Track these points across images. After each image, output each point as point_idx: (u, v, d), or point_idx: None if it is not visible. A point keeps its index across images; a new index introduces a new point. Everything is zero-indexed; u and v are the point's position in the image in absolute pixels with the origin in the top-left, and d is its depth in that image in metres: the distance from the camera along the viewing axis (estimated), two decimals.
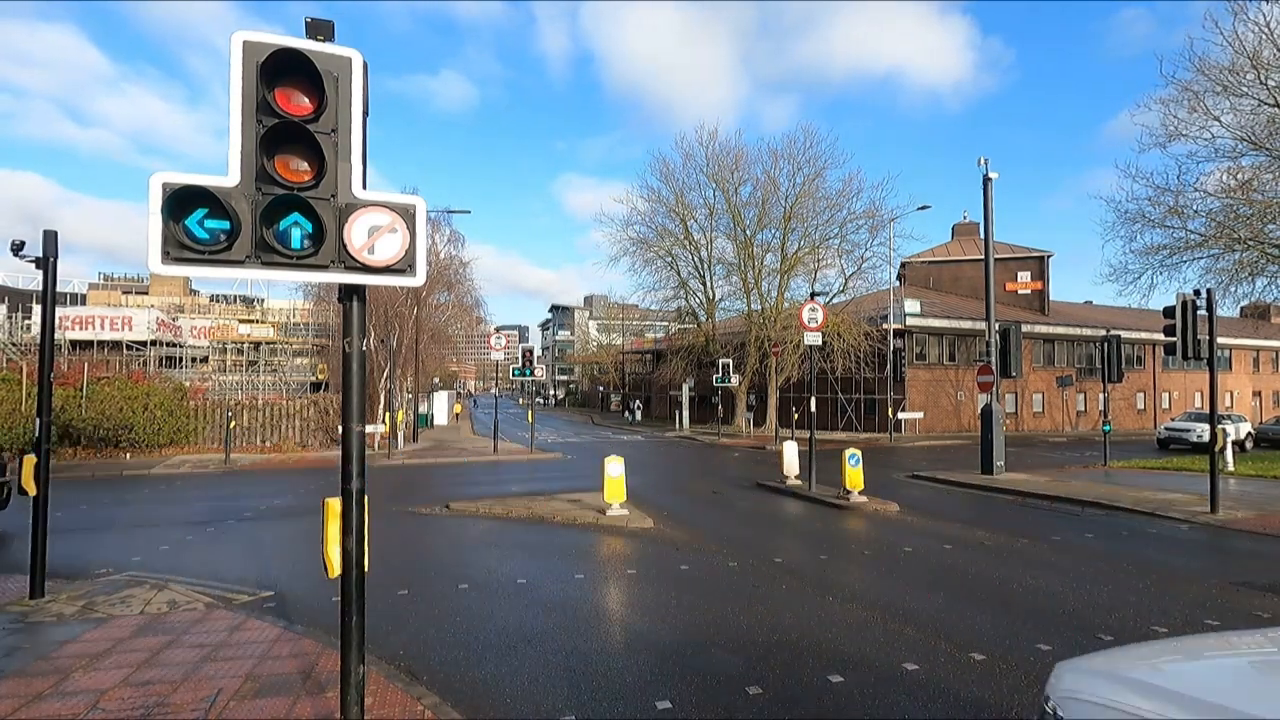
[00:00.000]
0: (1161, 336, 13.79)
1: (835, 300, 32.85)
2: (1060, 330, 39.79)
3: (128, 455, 21.35)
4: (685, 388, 39.49)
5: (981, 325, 23.40)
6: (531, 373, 25.85)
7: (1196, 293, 12.69)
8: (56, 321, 8.25)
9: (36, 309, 35.36)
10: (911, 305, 34.73)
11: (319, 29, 3.68)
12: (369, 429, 21.81)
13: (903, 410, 32.99)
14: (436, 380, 47.79)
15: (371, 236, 3.70)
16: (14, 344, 33.28)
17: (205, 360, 43.54)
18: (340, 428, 3.99)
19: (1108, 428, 21.06)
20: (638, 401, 54.35)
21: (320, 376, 41.42)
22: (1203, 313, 12.66)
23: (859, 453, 13.82)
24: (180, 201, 3.39)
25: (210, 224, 3.48)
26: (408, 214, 3.80)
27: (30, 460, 7.23)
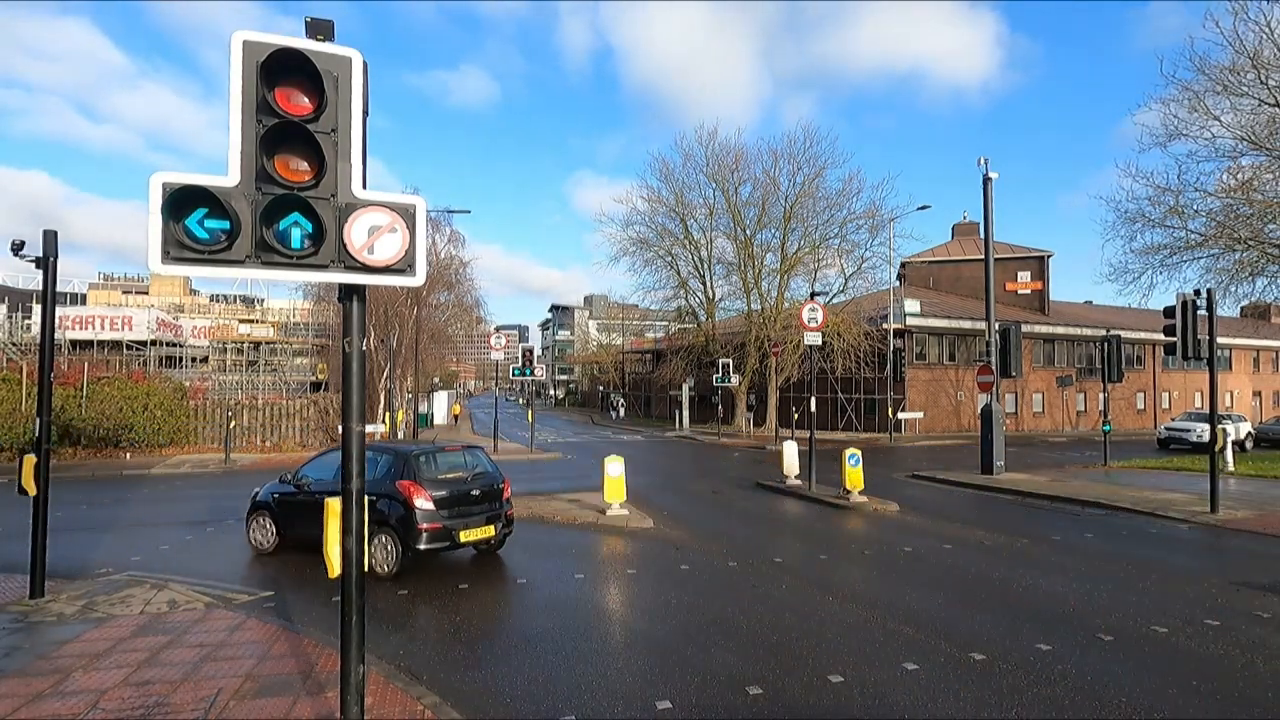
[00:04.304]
0: (1161, 336, 13.79)
1: (835, 300, 32.83)
2: (1060, 330, 39.78)
3: (128, 455, 21.34)
4: (685, 387, 39.47)
5: (981, 325, 23.40)
6: (531, 372, 25.85)
7: (1196, 293, 12.69)
8: (56, 321, 8.26)
9: (36, 309, 35.36)
10: (911, 305, 34.71)
11: (319, 29, 3.68)
12: (369, 429, 21.81)
13: (903, 410, 32.98)
14: (436, 380, 47.80)
15: (371, 236, 3.70)
16: (14, 344, 33.27)
17: (205, 360, 43.51)
18: (340, 428, 3.99)
19: (1108, 428, 21.05)
20: (620, 399, 54.33)
21: (320, 376, 41.40)
22: (1203, 313, 12.66)
23: (859, 452, 13.82)
24: (180, 201, 3.39)
25: (210, 224, 3.48)
26: (407, 214, 3.80)
27: (30, 460, 7.23)
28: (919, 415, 33.75)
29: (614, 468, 12.27)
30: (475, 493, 8.91)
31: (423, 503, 8.31)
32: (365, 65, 3.79)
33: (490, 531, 8.84)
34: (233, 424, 22.42)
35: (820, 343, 16.27)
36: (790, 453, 16.40)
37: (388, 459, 8.85)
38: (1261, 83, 18.59)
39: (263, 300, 49.51)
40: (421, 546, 8.22)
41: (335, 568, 3.87)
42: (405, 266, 3.81)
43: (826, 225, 34.39)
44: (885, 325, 31.85)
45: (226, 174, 3.50)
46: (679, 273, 38.13)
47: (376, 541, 8.31)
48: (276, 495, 9.51)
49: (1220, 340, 14.00)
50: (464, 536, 8.55)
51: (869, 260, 34.21)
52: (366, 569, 8.37)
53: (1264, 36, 18.21)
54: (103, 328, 37.34)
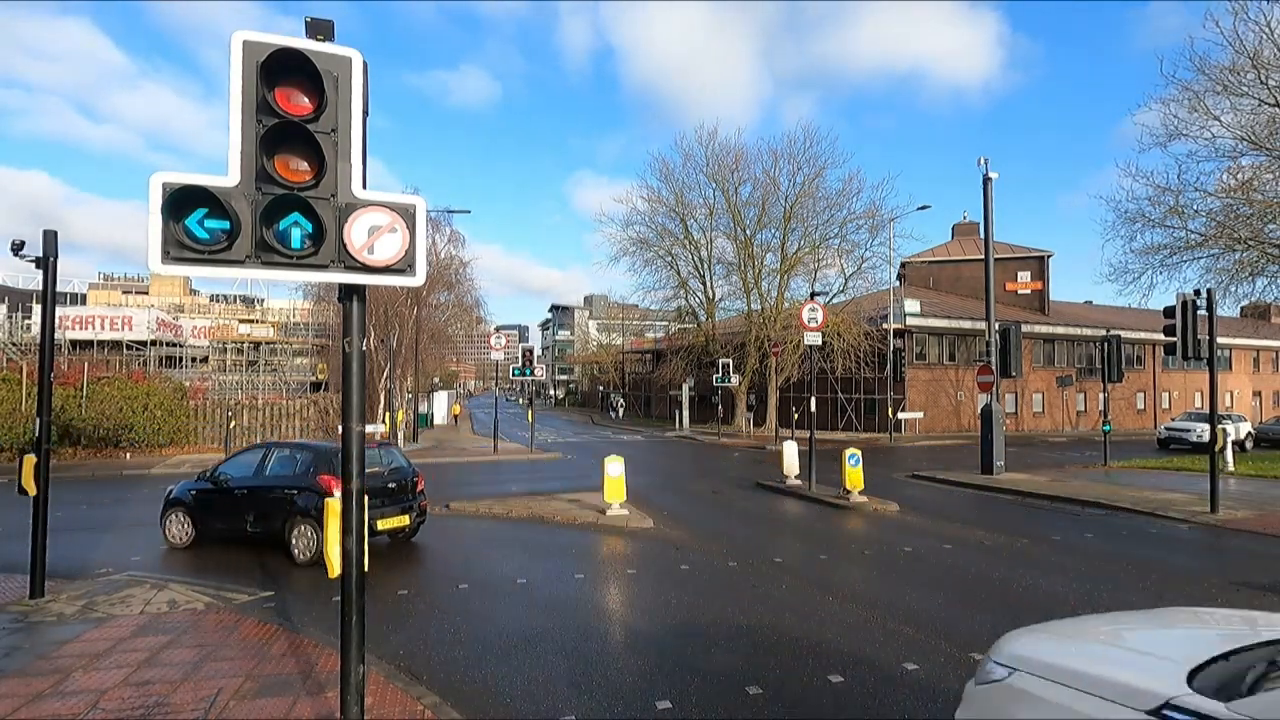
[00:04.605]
0: (1161, 336, 13.79)
1: (835, 300, 32.83)
2: (1060, 330, 39.77)
3: (128, 455, 21.34)
4: (685, 387, 39.47)
5: (981, 325, 23.41)
6: (531, 372, 25.85)
7: (1196, 293, 12.69)
8: (56, 321, 8.26)
9: (36, 309, 35.36)
10: (911, 305, 34.71)
11: (319, 29, 3.68)
12: (369, 429, 21.78)
13: (903, 410, 32.97)
14: (436, 380, 47.79)
15: (371, 236, 3.70)
16: (14, 344, 33.28)
17: (205, 360, 43.51)
18: (340, 428, 3.99)
19: (1108, 428, 21.05)
20: (619, 399, 54.54)
21: (320, 376, 41.40)
22: (1203, 313, 12.66)
23: (859, 453, 13.82)
24: (180, 201, 3.39)
25: (210, 224, 3.47)
26: (407, 214, 3.80)
27: (30, 460, 7.23)
28: (919, 415, 33.75)
29: (614, 468, 12.27)
30: (391, 485, 9.59)
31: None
32: (365, 65, 3.78)
33: (405, 520, 9.56)
34: (233, 424, 22.43)
35: (820, 343, 16.27)
36: (790, 453, 16.40)
37: (308, 456, 9.60)
38: (1261, 83, 18.59)
39: (263, 300, 49.51)
40: None
41: (335, 568, 3.87)
42: (405, 266, 3.80)
43: (826, 225, 34.43)
44: (885, 325, 31.84)
45: (226, 174, 3.50)
46: (679, 273, 38.15)
47: (298, 531, 8.99)
48: (194, 492, 10.05)
49: (1220, 340, 14.00)
50: (381, 525, 9.17)
51: (869, 260, 34.24)
52: (298, 557, 8.61)
53: (1264, 36, 18.21)
54: (103, 328, 37.35)
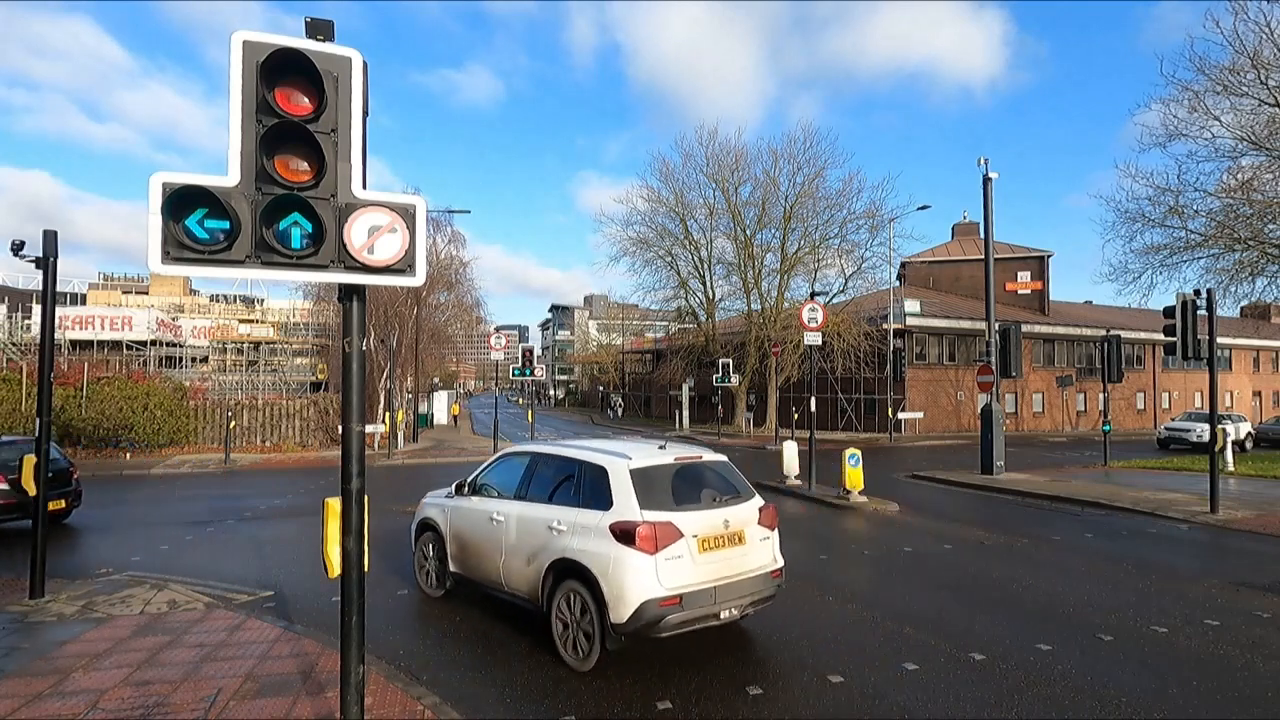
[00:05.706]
0: (1161, 336, 13.79)
1: (835, 300, 32.83)
2: (1060, 330, 39.78)
3: (128, 455, 21.32)
4: (685, 388, 39.47)
5: (981, 325, 23.39)
6: (531, 372, 25.84)
7: (1196, 292, 12.69)
8: (56, 321, 8.26)
9: (36, 309, 35.34)
10: (911, 305, 34.71)
11: (319, 29, 3.67)
12: (369, 429, 21.79)
13: (903, 410, 32.96)
14: (436, 380, 47.78)
15: (371, 236, 3.70)
16: (14, 344, 33.27)
17: (205, 360, 43.52)
18: (340, 427, 3.99)
19: (1108, 428, 21.05)
20: (619, 399, 54.71)
21: (320, 376, 41.40)
22: (1203, 313, 12.66)
23: (859, 452, 13.81)
24: (180, 201, 3.38)
25: (210, 224, 3.47)
26: (407, 214, 3.80)
27: (30, 460, 7.23)
28: (919, 415, 33.74)
29: None
30: (49, 475, 10.76)
31: None
32: (365, 65, 3.78)
33: (62, 504, 11.33)
34: (233, 424, 22.41)
35: (820, 343, 16.26)
36: (790, 452, 16.39)
37: None
38: (1261, 83, 18.59)
39: (263, 300, 49.52)
40: None
41: (335, 568, 3.87)
42: (405, 266, 3.80)
43: (826, 225, 34.43)
44: (885, 325, 31.84)
45: (226, 174, 3.50)
46: (679, 273, 38.14)
47: None
48: None
49: (1220, 340, 14.00)
50: None
51: (869, 260, 34.25)
52: None
53: (1264, 37, 18.21)
54: (103, 328, 37.36)
